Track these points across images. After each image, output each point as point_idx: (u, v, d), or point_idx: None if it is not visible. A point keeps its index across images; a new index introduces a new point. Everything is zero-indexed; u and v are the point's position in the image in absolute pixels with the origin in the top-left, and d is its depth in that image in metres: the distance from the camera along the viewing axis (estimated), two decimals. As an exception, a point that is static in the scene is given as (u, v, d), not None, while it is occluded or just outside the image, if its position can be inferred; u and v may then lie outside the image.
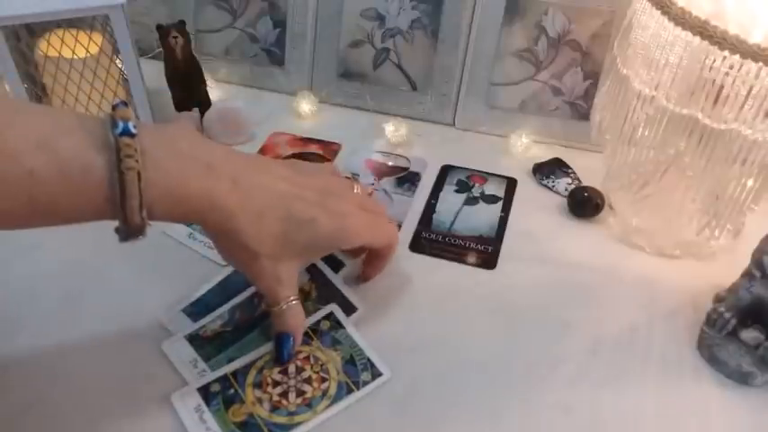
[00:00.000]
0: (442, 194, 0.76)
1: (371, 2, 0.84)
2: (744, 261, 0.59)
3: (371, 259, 0.63)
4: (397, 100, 0.87)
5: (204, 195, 0.48)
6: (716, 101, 0.56)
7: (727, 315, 0.58)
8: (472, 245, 0.69)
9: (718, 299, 0.60)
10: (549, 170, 0.80)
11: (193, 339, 0.57)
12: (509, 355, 0.59)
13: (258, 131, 0.83)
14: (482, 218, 0.73)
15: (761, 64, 0.52)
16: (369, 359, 0.56)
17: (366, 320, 0.61)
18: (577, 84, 0.81)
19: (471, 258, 0.68)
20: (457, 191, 0.77)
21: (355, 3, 0.85)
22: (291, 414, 0.52)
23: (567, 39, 0.80)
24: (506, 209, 0.74)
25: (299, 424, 0.51)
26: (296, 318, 0.54)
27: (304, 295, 0.59)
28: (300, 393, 0.53)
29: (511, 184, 0.78)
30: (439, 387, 0.56)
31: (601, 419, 0.54)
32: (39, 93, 0.75)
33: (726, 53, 0.53)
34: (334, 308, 0.59)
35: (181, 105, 0.82)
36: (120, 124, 0.44)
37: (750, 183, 0.60)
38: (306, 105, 0.86)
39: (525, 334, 0.61)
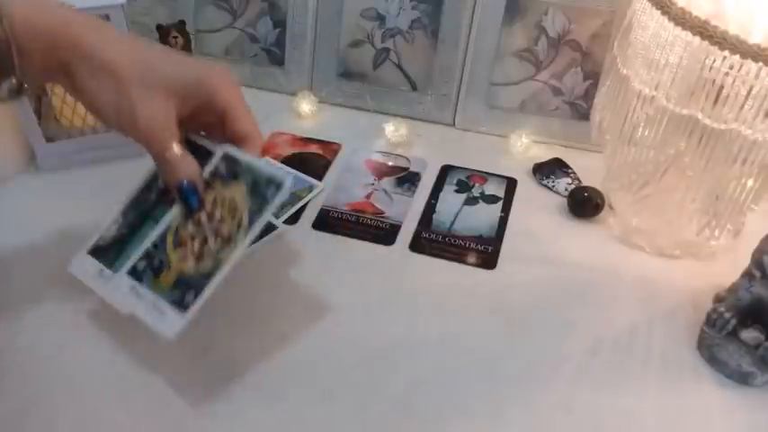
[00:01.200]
0: (442, 194, 0.76)
1: (371, 2, 0.84)
2: (744, 261, 0.59)
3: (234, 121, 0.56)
4: (397, 100, 0.87)
5: (70, 34, 0.49)
6: (716, 101, 0.56)
7: (727, 315, 0.58)
8: (472, 245, 0.69)
9: (718, 299, 0.60)
10: (549, 170, 0.80)
11: (96, 251, 0.58)
12: (509, 355, 0.59)
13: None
14: (482, 218, 0.73)
15: (761, 64, 0.52)
16: (269, 175, 0.54)
17: (366, 320, 0.61)
18: (577, 84, 0.81)
19: (471, 258, 0.68)
20: (457, 191, 0.77)
21: (355, 3, 0.85)
22: (216, 256, 0.53)
23: (567, 39, 0.80)
24: (506, 209, 0.74)
25: (225, 261, 0.52)
26: (191, 163, 0.54)
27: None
28: (218, 234, 0.54)
29: (511, 184, 0.78)
30: (439, 387, 0.56)
31: (601, 419, 0.54)
32: (39, 93, 0.75)
33: (726, 53, 0.53)
34: (225, 148, 0.57)
35: (181, 105, 0.82)
36: None
37: (750, 183, 0.60)
38: (306, 105, 0.86)
39: (525, 334, 0.61)
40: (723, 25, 0.53)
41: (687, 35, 0.55)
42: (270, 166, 0.56)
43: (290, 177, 0.53)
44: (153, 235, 0.56)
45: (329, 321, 0.61)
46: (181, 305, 0.51)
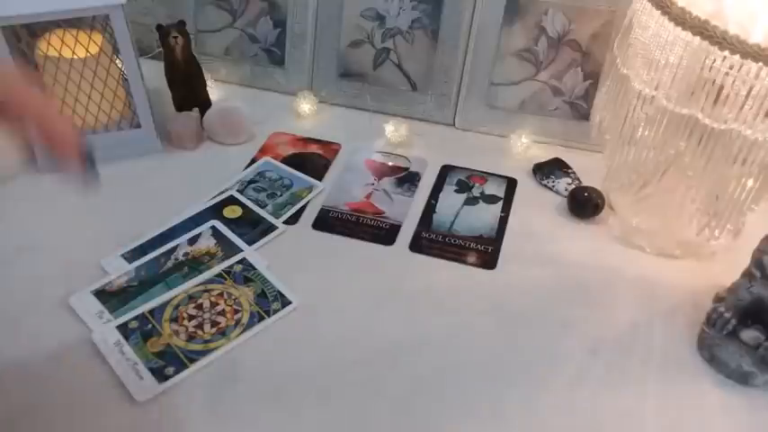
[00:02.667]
0: (442, 194, 0.76)
1: (371, 2, 0.84)
2: (744, 261, 0.59)
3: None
4: (397, 100, 0.87)
5: None
6: (716, 101, 0.56)
7: (728, 315, 0.58)
8: (472, 245, 0.69)
9: (718, 299, 0.60)
10: (549, 170, 0.80)
11: (99, 294, 0.61)
12: (509, 355, 0.59)
13: (258, 131, 0.83)
14: (482, 218, 0.73)
15: (761, 64, 0.52)
16: (279, 291, 0.62)
17: (366, 320, 0.61)
18: (577, 84, 0.81)
19: (471, 258, 0.68)
20: (457, 191, 0.77)
21: (355, 3, 0.85)
22: (207, 342, 0.57)
23: (567, 39, 0.80)
24: (506, 209, 0.74)
25: (214, 349, 0.57)
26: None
27: (210, 256, 0.65)
28: (215, 324, 0.59)
29: (511, 184, 0.78)
30: (439, 387, 0.56)
31: (601, 419, 0.54)
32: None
33: (726, 53, 0.53)
34: (246, 253, 0.65)
35: (181, 105, 0.82)
36: None
37: (750, 183, 0.60)
38: (306, 105, 0.86)
39: (525, 334, 0.61)
40: (723, 25, 0.53)
41: (687, 35, 0.55)
42: (281, 283, 0.62)
43: (296, 299, 0.61)
44: (155, 302, 0.60)
45: (329, 321, 0.61)
46: (160, 375, 0.54)
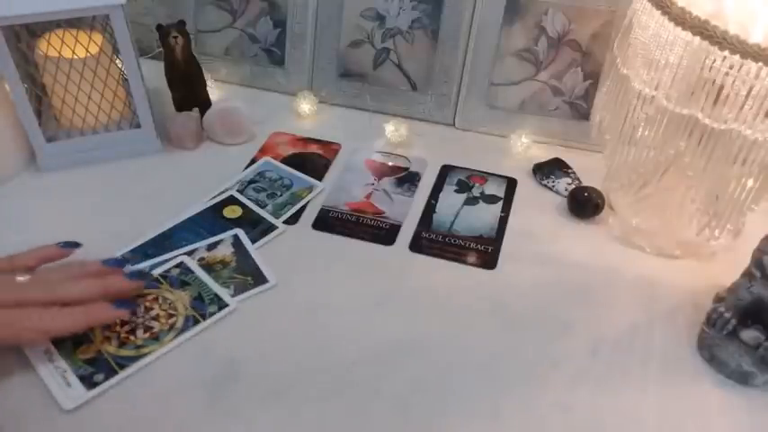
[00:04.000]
0: (442, 194, 0.76)
1: (371, 2, 0.84)
2: (744, 261, 0.59)
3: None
4: (397, 100, 0.87)
5: None
6: (716, 101, 0.56)
7: (728, 315, 0.58)
8: (472, 245, 0.69)
9: (719, 299, 0.60)
10: (549, 170, 0.80)
11: None
12: (509, 355, 0.59)
13: (258, 131, 0.83)
14: (482, 218, 0.73)
15: (761, 64, 0.52)
16: (216, 294, 0.60)
17: (366, 320, 0.61)
18: (577, 84, 0.81)
19: (471, 258, 0.68)
20: (457, 191, 0.77)
21: (355, 3, 0.85)
22: (139, 347, 0.56)
23: (567, 39, 0.80)
24: (506, 209, 0.74)
25: (146, 354, 0.55)
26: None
27: (223, 264, 0.65)
28: (148, 329, 0.57)
29: (511, 184, 0.78)
30: (439, 387, 0.56)
31: (601, 419, 0.54)
32: (39, 93, 0.75)
33: (726, 53, 0.53)
34: (184, 258, 0.64)
35: (181, 105, 0.82)
36: None
37: (750, 183, 0.60)
38: (306, 105, 0.86)
39: (525, 334, 0.61)
40: (723, 25, 0.53)
41: (687, 35, 0.55)
42: (218, 286, 0.61)
43: (234, 301, 0.59)
44: None
45: (329, 321, 0.61)
46: (89, 382, 0.53)
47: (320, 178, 0.77)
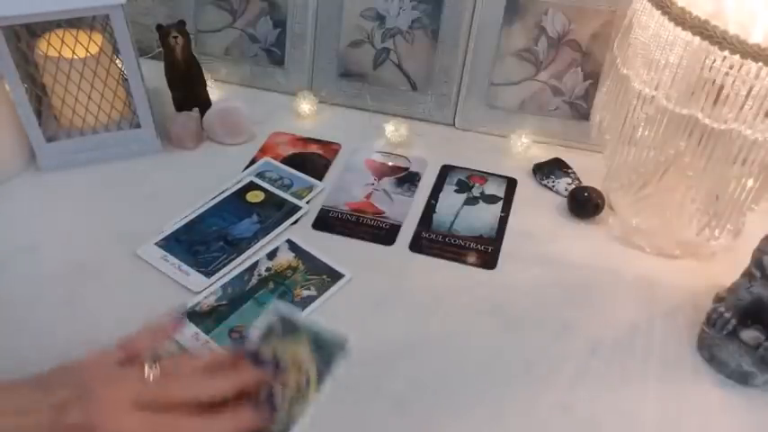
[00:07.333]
0: (442, 194, 0.76)
1: (371, 2, 0.84)
2: (744, 261, 0.59)
3: None
4: (397, 100, 0.87)
5: None
6: (716, 101, 0.56)
7: (728, 315, 0.58)
8: (472, 245, 0.69)
9: (719, 299, 0.60)
10: (549, 170, 0.80)
11: (191, 316, 0.60)
12: (509, 355, 0.59)
13: (258, 131, 0.83)
14: (482, 218, 0.73)
15: (761, 64, 0.52)
16: (332, 335, 0.50)
17: (366, 320, 0.61)
18: (577, 84, 0.81)
19: (471, 258, 0.68)
20: (457, 191, 0.77)
21: (355, 3, 0.85)
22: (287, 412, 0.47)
23: (567, 39, 0.80)
24: (506, 209, 0.74)
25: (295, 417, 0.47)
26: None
27: (292, 270, 0.64)
28: (284, 384, 0.47)
29: (511, 184, 0.78)
30: (439, 387, 0.56)
31: (601, 419, 0.54)
32: (39, 93, 0.75)
33: (726, 53, 0.53)
34: (280, 311, 0.50)
35: (181, 105, 0.82)
36: None
37: (750, 183, 0.60)
38: (306, 105, 0.86)
39: (525, 334, 0.61)
40: (723, 25, 0.53)
41: (687, 35, 0.55)
42: (327, 328, 0.50)
43: (349, 339, 0.49)
44: (248, 319, 0.59)
45: (329, 321, 0.61)
46: None
47: (320, 178, 0.77)
